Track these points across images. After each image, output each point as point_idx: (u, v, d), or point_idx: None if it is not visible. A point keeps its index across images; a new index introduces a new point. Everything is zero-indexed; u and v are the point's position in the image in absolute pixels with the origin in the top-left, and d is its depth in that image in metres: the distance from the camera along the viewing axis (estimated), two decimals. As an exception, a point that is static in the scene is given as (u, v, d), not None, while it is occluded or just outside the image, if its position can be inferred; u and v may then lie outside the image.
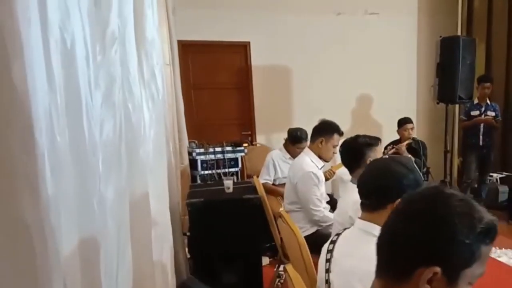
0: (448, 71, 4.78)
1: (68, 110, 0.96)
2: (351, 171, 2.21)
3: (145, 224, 1.71)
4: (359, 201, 1.81)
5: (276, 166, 3.79)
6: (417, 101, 6.03)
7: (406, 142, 4.37)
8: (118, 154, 1.34)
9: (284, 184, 3.58)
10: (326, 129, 2.89)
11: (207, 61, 5.53)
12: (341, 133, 2.90)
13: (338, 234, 1.50)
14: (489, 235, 0.80)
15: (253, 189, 3.08)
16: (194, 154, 4.43)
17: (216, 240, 2.87)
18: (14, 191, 0.73)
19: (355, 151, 2.21)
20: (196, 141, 4.70)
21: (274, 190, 3.68)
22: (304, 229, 2.71)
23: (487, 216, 0.80)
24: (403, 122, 4.54)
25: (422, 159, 4.25)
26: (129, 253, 1.41)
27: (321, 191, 2.81)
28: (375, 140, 2.28)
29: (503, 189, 5.11)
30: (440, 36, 4.97)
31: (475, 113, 5.00)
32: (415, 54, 5.96)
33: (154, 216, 1.77)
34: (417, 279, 0.79)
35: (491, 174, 5.27)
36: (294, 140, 3.81)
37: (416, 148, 4.33)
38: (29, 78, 0.72)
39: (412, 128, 4.50)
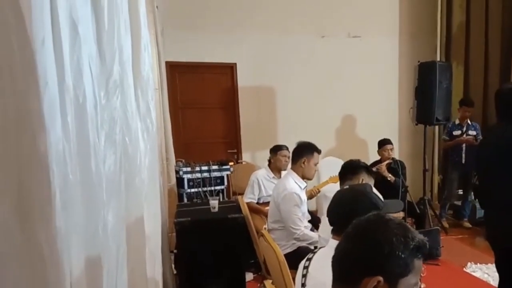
0: (425, 94, 5.03)
1: (79, 152, 1.16)
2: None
3: (140, 244, 1.89)
4: None
5: (260, 185, 3.97)
6: (399, 121, 6.26)
7: (386, 162, 4.58)
8: (118, 183, 1.53)
9: (268, 202, 3.76)
10: (306, 149, 3.11)
11: (194, 82, 5.64)
12: (319, 151, 3.12)
13: (314, 252, 1.70)
14: (420, 250, 1.02)
15: (238, 209, 3.26)
16: (181, 172, 4.54)
17: (202, 257, 3.04)
18: (32, 225, 0.90)
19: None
20: (183, 160, 4.82)
21: (258, 209, 3.86)
22: (286, 247, 2.90)
23: (419, 236, 1.03)
24: (382, 143, 4.74)
25: (401, 178, 4.44)
26: (125, 270, 1.59)
27: (303, 211, 3.01)
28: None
29: None
30: (418, 61, 5.23)
31: (457, 132, 5.24)
32: (397, 76, 6.22)
33: (147, 236, 1.95)
34: (364, 287, 0.99)
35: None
36: (275, 149, 4.01)
37: (396, 168, 4.51)
38: (48, 139, 0.91)
39: (391, 149, 4.70)
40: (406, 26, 6.17)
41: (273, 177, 3.96)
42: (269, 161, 4.09)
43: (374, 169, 4.38)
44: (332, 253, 1.56)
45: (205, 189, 4.59)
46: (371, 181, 2.30)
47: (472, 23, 5.84)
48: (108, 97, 1.42)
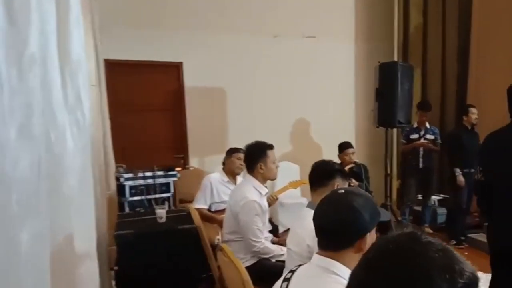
0: (387, 96, 4.89)
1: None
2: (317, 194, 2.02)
3: (68, 269, 1.51)
4: None
5: (213, 189, 3.63)
6: (355, 124, 6.16)
7: (348, 166, 4.36)
8: (36, 192, 1.15)
9: (221, 210, 3.44)
10: (257, 152, 2.81)
11: (137, 82, 5.31)
12: (271, 147, 2.83)
13: (292, 271, 1.39)
14: None
15: (189, 218, 2.91)
16: (122, 179, 4.19)
17: (148, 274, 2.68)
18: None
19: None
20: (125, 166, 4.43)
21: (211, 217, 3.50)
22: (245, 260, 2.59)
23: (468, 267, 0.72)
24: (344, 147, 4.51)
25: (365, 182, 4.25)
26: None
27: (264, 220, 2.71)
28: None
29: (441, 211, 5.30)
30: (379, 62, 5.10)
31: (414, 136, 5.12)
32: (353, 78, 6.12)
33: (79, 259, 1.57)
34: None
35: None
36: (231, 151, 3.71)
37: (358, 172, 4.30)
38: None
39: (353, 153, 4.47)
40: (362, 27, 6.10)
41: (228, 181, 3.63)
42: (224, 163, 3.77)
43: None
44: (317, 272, 1.28)
45: (149, 197, 4.28)
46: (345, 186, 2.05)
47: (429, 25, 5.85)
48: (21, 77, 1.05)
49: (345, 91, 6.10)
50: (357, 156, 4.54)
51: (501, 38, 5.04)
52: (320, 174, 2.05)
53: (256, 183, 2.73)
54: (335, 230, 1.27)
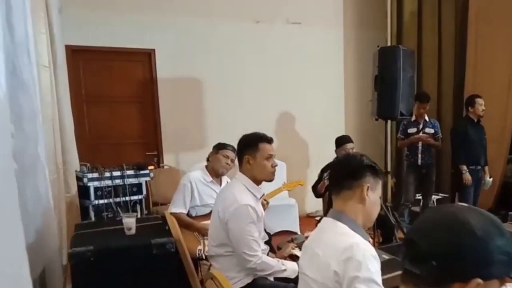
0: (387, 84, 4.34)
1: None
2: (340, 199, 1.52)
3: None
4: (351, 246, 1.24)
5: (194, 191, 3.09)
6: (345, 117, 5.79)
7: None
8: None
9: (204, 216, 2.94)
10: (246, 143, 2.30)
11: (103, 70, 4.89)
12: (269, 140, 2.34)
13: None
14: None
15: (164, 228, 2.36)
16: (85, 179, 3.62)
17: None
18: None
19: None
20: (88, 164, 3.85)
21: (190, 224, 2.96)
22: (237, 280, 2.06)
23: None
24: (342, 142, 3.99)
25: None
26: None
27: (260, 229, 2.18)
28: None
29: None
30: (378, 46, 4.63)
31: (412, 130, 4.70)
32: (342, 68, 5.77)
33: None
34: None
35: None
36: (218, 146, 3.21)
37: None
38: None
39: (352, 148, 3.96)
40: (352, 12, 5.73)
41: (211, 181, 3.10)
42: (208, 160, 3.23)
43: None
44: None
45: (117, 199, 3.73)
46: (378, 187, 1.53)
47: (424, 12, 5.49)
48: None
49: (334, 81, 5.73)
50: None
51: (500, 24, 4.76)
52: (344, 173, 1.51)
53: (249, 183, 2.19)
54: (431, 254, 0.76)
